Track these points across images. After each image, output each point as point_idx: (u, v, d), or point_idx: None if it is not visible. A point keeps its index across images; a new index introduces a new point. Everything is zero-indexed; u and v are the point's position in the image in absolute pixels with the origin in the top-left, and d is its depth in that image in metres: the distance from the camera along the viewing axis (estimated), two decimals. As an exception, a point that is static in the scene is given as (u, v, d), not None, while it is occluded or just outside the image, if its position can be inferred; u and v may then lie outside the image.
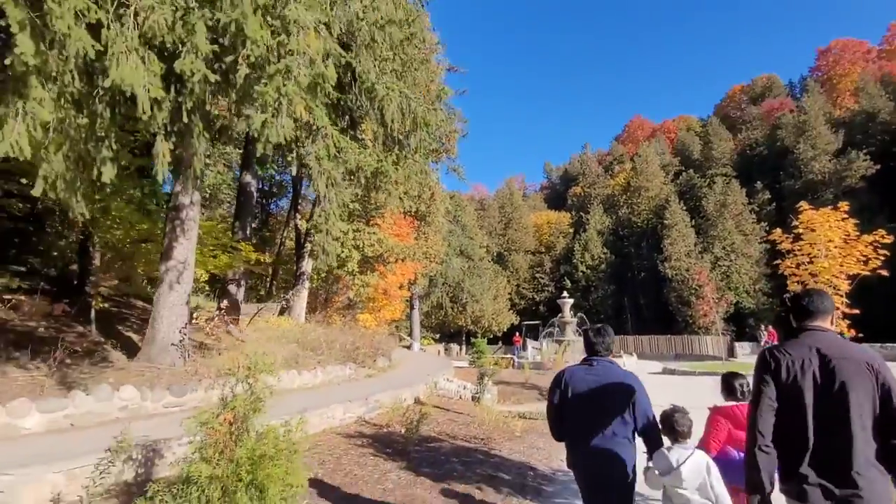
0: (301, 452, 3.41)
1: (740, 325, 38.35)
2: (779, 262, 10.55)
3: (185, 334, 8.03)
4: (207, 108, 4.77)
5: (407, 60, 9.20)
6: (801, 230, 10.14)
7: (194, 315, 7.92)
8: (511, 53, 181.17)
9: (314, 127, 6.58)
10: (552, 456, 6.25)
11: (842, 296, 9.96)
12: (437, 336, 42.65)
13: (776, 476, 2.26)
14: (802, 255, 9.95)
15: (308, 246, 14.21)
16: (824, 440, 2.03)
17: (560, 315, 24.26)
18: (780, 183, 45.43)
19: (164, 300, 8.00)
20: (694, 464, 2.59)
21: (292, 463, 3.33)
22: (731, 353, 25.74)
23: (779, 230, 10.55)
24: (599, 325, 3.06)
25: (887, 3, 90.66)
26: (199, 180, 7.28)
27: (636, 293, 48.64)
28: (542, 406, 10.22)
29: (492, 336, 41.99)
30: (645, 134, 76.23)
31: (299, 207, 18.89)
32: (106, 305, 11.43)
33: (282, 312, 16.23)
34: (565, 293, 26.83)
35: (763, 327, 26.84)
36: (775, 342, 25.11)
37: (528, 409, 9.26)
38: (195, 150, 5.11)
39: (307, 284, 16.86)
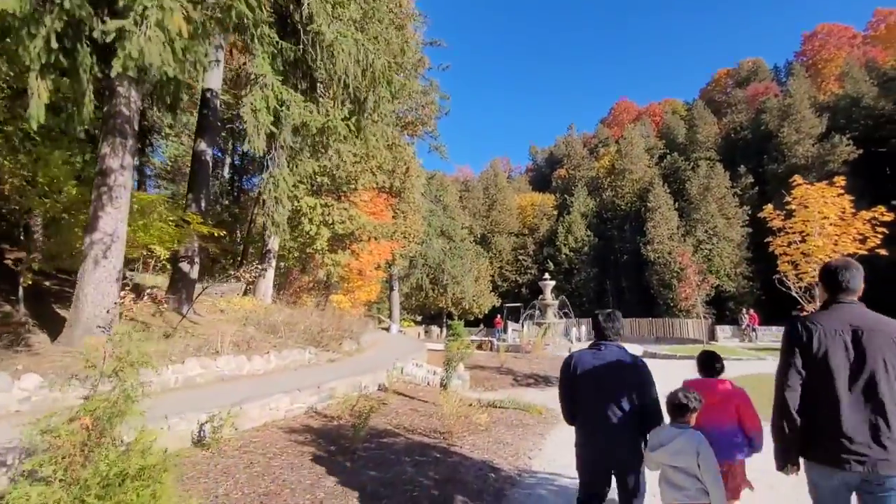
0: (171, 471, 2.60)
1: (721, 308, 38.42)
2: (770, 239, 9.87)
3: (114, 315, 7.13)
4: (95, 35, 3.84)
5: (368, 10, 8.19)
6: (793, 206, 9.43)
7: (122, 294, 7.01)
8: (498, 37, 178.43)
9: (252, 75, 5.64)
10: (519, 452, 5.56)
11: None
12: (420, 318, 42.03)
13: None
14: (794, 233, 9.28)
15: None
16: (856, 409, 2.09)
17: (541, 297, 23.73)
18: (763, 167, 45.24)
19: (88, 277, 7.07)
20: (683, 442, 2.56)
21: (163, 483, 2.53)
22: (712, 336, 25.59)
23: (770, 206, 9.82)
24: (610, 310, 3.07)
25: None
26: (125, 137, 6.26)
27: (618, 276, 48.52)
28: (516, 392, 9.61)
29: (473, 318, 41.50)
30: (630, 117, 75.59)
31: (268, 183, 17.77)
32: (48, 283, 10.45)
33: (246, 292, 15.28)
34: (547, 275, 26.28)
35: (745, 311, 26.75)
36: (756, 325, 24.69)
37: (499, 397, 8.59)
38: (83, 87, 4.17)
39: (273, 263, 15.92)
